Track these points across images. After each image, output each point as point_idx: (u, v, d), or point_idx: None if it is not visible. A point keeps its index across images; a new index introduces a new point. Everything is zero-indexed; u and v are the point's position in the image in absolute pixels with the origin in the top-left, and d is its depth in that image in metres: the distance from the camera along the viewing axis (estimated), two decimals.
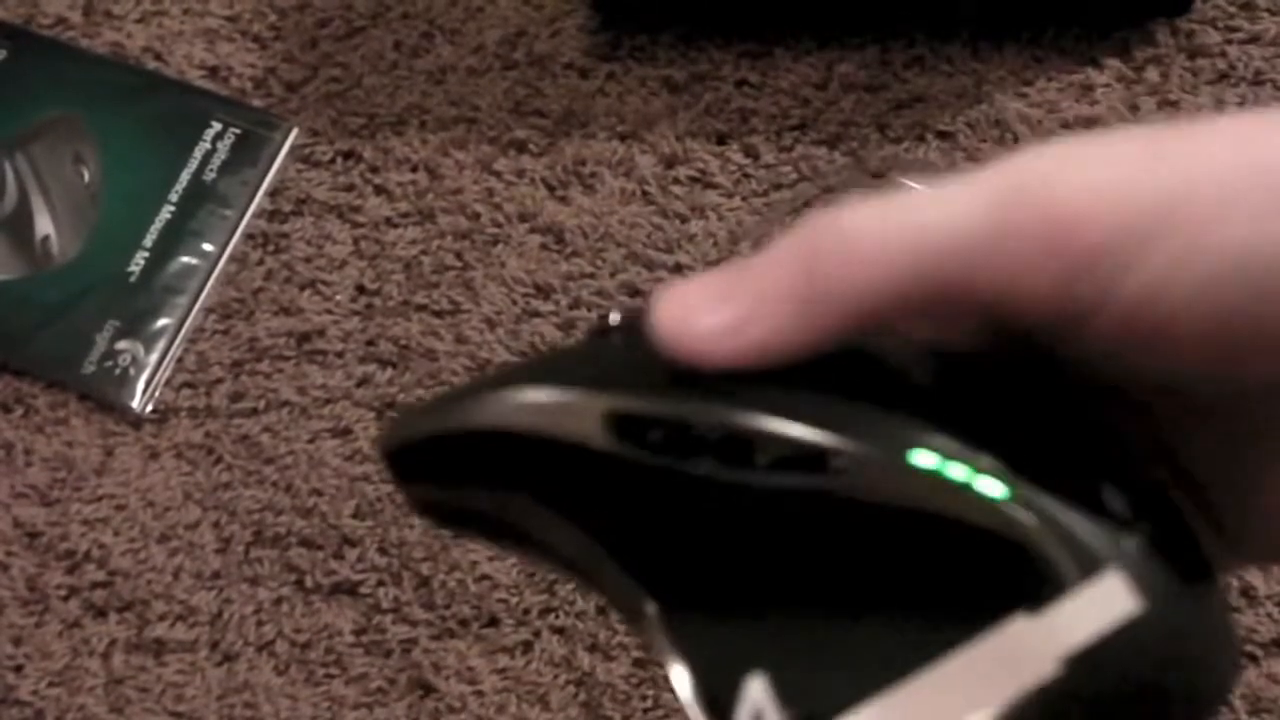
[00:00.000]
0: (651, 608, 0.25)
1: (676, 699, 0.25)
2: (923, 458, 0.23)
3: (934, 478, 0.23)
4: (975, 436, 0.24)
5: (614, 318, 0.26)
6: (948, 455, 0.23)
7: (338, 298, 0.69)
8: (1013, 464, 0.23)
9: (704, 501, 0.24)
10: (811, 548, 0.24)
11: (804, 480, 0.24)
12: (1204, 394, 0.24)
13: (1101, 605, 0.23)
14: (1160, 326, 0.22)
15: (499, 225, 0.70)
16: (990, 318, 0.23)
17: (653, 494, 0.24)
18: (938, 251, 0.23)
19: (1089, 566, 0.23)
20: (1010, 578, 0.23)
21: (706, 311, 0.24)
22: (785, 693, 0.24)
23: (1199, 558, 0.25)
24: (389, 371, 0.68)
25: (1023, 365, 0.25)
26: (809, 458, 0.23)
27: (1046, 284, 0.22)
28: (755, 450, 0.24)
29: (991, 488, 0.23)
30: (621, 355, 0.25)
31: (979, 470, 0.23)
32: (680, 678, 0.24)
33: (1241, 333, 0.22)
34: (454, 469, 0.26)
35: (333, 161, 0.71)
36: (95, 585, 0.65)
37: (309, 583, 0.65)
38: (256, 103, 0.73)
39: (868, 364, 0.25)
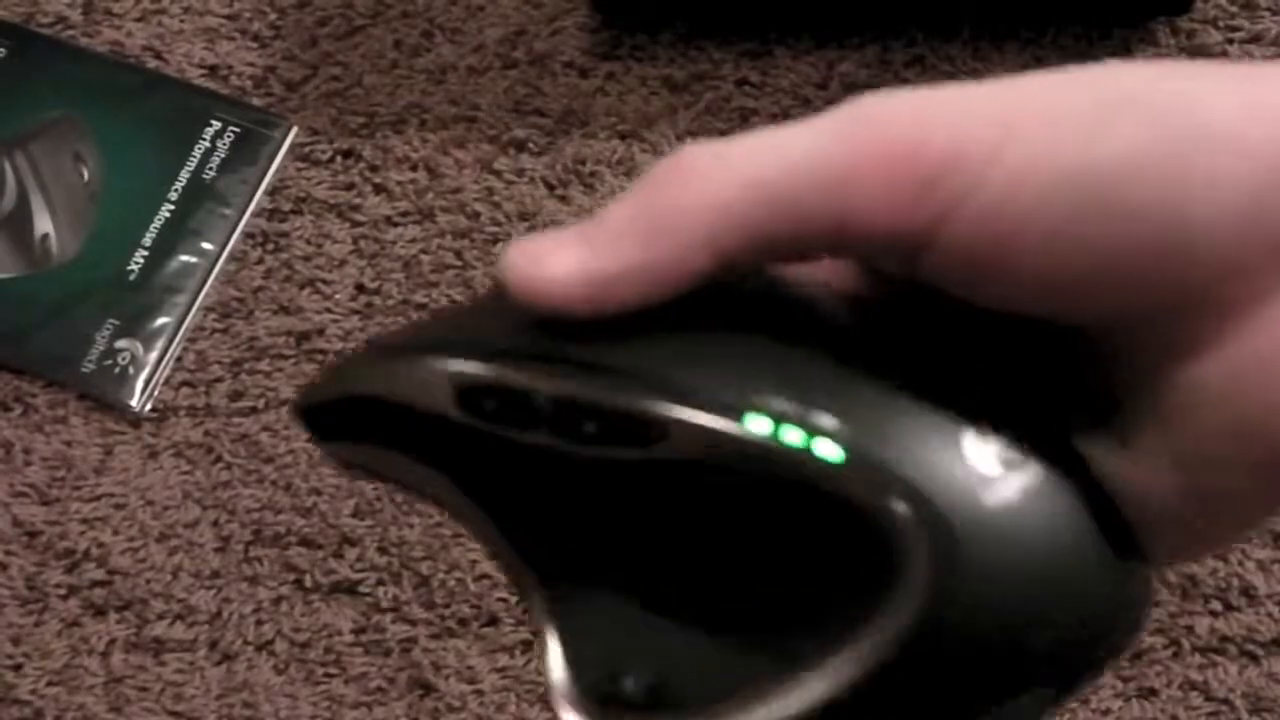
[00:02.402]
0: (529, 579, 0.25)
1: (545, 669, 0.25)
2: (756, 423, 0.22)
3: (767, 444, 0.22)
4: (829, 390, 0.23)
5: None
6: (784, 418, 0.22)
7: (337, 296, 0.69)
8: (869, 416, 0.22)
9: (548, 472, 0.24)
10: (661, 522, 0.24)
11: (636, 452, 0.23)
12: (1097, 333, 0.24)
13: None
14: (998, 246, 0.22)
15: (499, 224, 0.70)
16: (837, 247, 0.23)
17: (504, 463, 0.24)
18: (775, 172, 0.23)
19: (933, 523, 0.22)
20: (859, 546, 0.22)
21: (555, 255, 0.23)
22: (650, 695, 0.24)
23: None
24: None
25: (916, 308, 0.24)
26: (638, 427, 0.23)
27: (887, 203, 0.22)
28: (584, 420, 0.23)
29: (829, 450, 0.22)
30: (500, 313, 0.25)
31: (816, 433, 0.22)
32: (555, 659, 0.24)
33: (1073, 257, 0.22)
34: (350, 430, 0.26)
35: (332, 160, 0.71)
36: (94, 584, 0.65)
37: (308, 582, 0.65)
38: (256, 101, 0.73)
39: (741, 311, 0.24)
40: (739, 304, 0.24)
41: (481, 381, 0.24)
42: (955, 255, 0.22)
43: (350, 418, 0.26)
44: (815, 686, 0.22)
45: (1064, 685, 0.23)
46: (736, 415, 0.22)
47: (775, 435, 0.22)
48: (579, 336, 0.23)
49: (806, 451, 0.22)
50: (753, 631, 0.23)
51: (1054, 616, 0.22)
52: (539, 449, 0.23)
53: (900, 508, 0.22)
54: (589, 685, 0.24)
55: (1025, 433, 0.23)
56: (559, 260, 0.23)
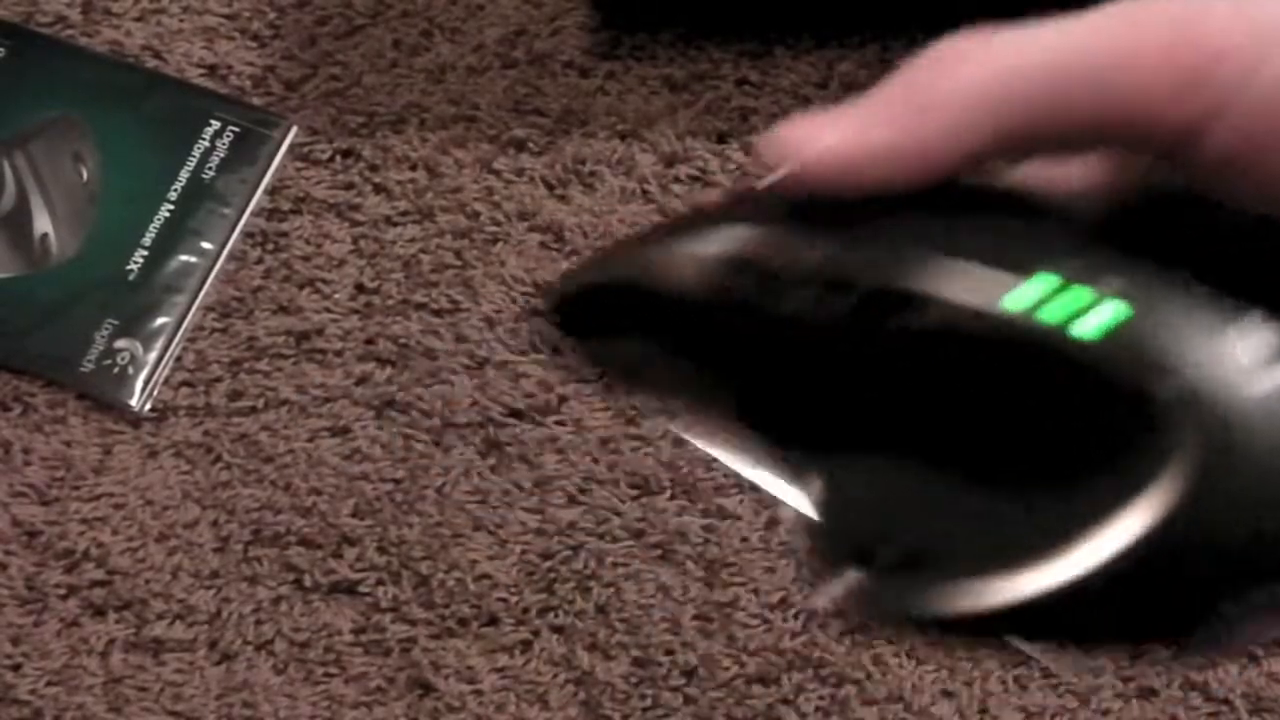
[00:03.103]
0: (772, 455, 0.25)
1: (798, 545, 0.26)
2: (1017, 296, 0.22)
3: (1029, 317, 0.22)
4: (1091, 270, 0.23)
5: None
6: (1046, 293, 0.22)
7: (337, 296, 0.69)
8: (1134, 296, 0.22)
9: (801, 348, 0.24)
10: (914, 393, 0.24)
11: (894, 324, 0.23)
12: None
13: None
14: (1271, 142, 0.22)
15: (498, 224, 0.70)
16: (1105, 138, 0.23)
17: (754, 343, 0.25)
18: (1050, 56, 0.23)
19: (1200, 406, 0.22)
20: (1120, 425, 0.22)
21: (821, 132, 0.24)
22: (905, 561, 0.24)
23: None
24: (388, 370, 0.68)
25: (1158, 210, 0.24)
26: (896, 300, 0.23)
27: (1165, 90, 0.22)
28: (842, 293, 0.24)
29: (1093, 327, 0.22)
30: (750, 202, 0.26)
31: (1080, 309, 0.22)
32: (808, 533, 0.25)
33: None
34: (599, 323, 0.27)
35: (332, 160, 0.71)
36: (94, 584, 0.65)
37: (308, 582, 0.65)
38: (256, 101, 0.73)
39: (990, 202, 0.25)
40: (986, 195, 0.24)
41: (737, 258, 0.24)
42: (1224, 149, 0.22)
43: (600, 309, 0.27)
44: (1072, 562, 0.22)
45: None
46: (996, 288, 0.22)
47: (1037, 309, 0.22)
48: (835, 216, 0.24)
49: (1070, 326, 0.22)
50: (1006, 503, 0.23)
51: None
52: (793, 325, 0.24)
53: (1167, 389, 0.22)
54: (845, 555, 0.24)
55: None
56: (825, 137, 0.23)
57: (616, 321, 0.27)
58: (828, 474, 0.25)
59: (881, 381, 0.24)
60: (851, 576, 0.24)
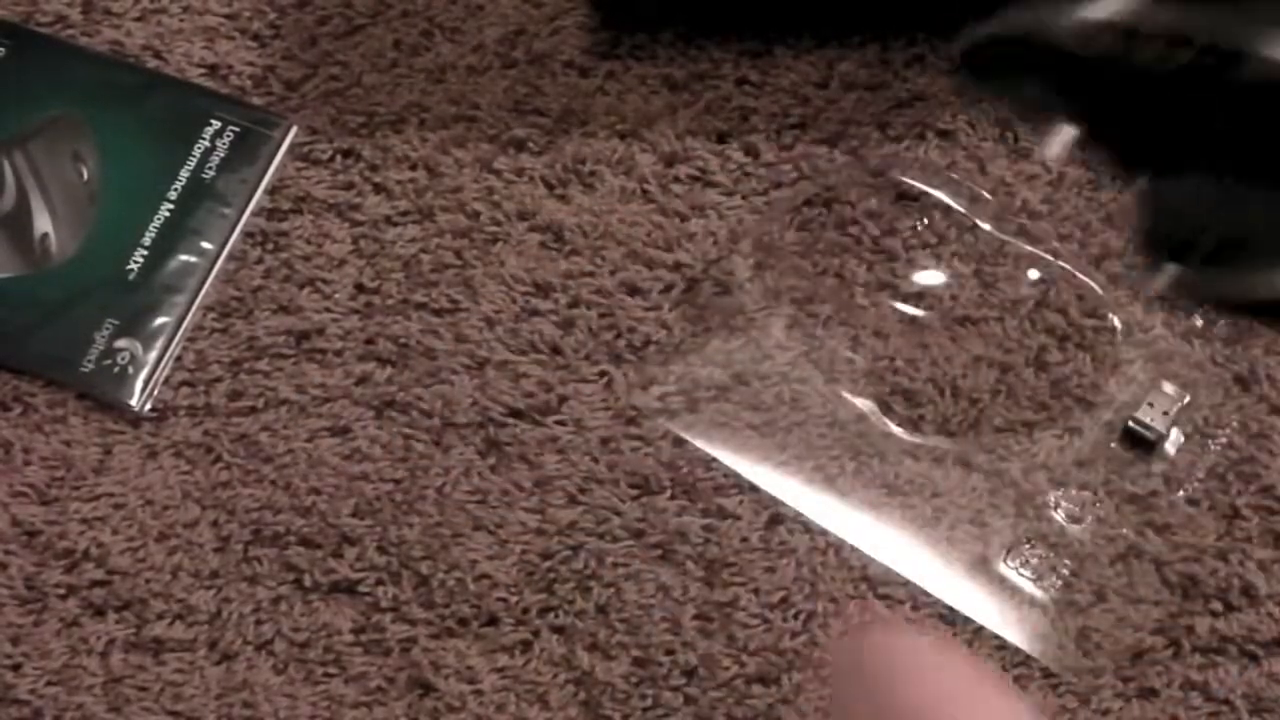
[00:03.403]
0: (1117, 171, 0.36)
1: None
2: None
3: None
4: None
5: None
6: None
7: (337, 296, 0.69)
8: None
9: (1148, 86, 0.33)
10: (1240, 127, 0.32)
11: (1224, 71, 0.32)
12: None
13: None
14: None
15: (498, 224, 0.70)
16: None
17: (1114, 81, 0.34)
18: None
19: None
20: None
21: None
22: (1220, 248, 0.33)
23: None
24: (388, 370, 0.68)
25: None
26: (1225, 54, 0.32)
27: None
28: (1183, 46, 0.32)
29: None
30: None
31: None
32: (1144, 238, 0.35)
33: None
34: (995, 65, 0.37)
35: (332, 160, 0.71)
36: (94, 584, 0.65)
37: (307, 581, 0.65)
38: (256, 101, 0.73)
39: None
40: None
41: (1108, 21, 0.33)
42: None
43: (1000, 55, 0.36)
44: None
45: None
46: None
47: None
48: None
49: None
50: None
51: None
52: (1145, 71, 0.33)
53: None
54: (1165, 251, 0.34)
55: None
56: None
57: (1012, 65, 0.36)
58: (1156, 188, 0.34)
59: (1208, 115, 0.33)
60: (1172, 269, 0.34)
